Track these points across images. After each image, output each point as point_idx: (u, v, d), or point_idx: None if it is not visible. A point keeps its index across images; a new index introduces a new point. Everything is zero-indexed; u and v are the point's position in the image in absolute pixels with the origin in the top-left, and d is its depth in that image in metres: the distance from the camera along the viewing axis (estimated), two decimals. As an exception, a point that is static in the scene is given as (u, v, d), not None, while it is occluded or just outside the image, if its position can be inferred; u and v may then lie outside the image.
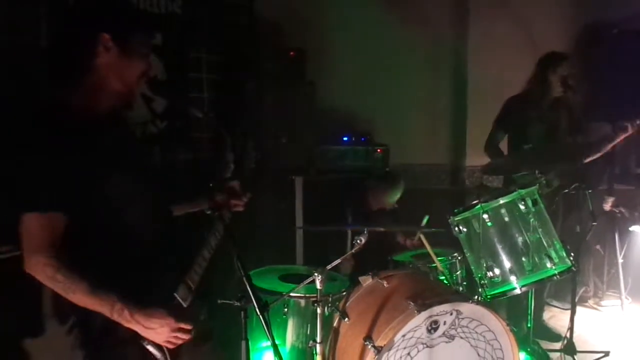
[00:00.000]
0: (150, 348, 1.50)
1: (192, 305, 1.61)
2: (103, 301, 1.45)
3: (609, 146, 3.35)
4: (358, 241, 2.09)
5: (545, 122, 3.44)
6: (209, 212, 1.57)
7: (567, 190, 3.19)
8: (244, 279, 1.48)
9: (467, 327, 2.24)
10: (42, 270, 1.44)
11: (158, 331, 1.48)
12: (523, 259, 2.52)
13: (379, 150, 4.27)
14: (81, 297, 1.44)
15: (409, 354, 2.15)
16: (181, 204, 1.83)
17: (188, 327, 1.52)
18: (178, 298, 1.58)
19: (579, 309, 3.22)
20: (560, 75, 3.38)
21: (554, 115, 3.45)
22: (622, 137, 3.26)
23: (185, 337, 1.53)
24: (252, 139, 1.82)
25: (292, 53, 4.29)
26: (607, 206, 4.05)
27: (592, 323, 3.92)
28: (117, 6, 1.60)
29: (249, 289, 1.48)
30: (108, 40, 1.51)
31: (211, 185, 1.73)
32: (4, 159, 1.50)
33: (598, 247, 4.27)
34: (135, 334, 1.49)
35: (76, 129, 1.45)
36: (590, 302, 4.26)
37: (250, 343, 1.63)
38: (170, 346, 1.52)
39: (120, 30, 1.53)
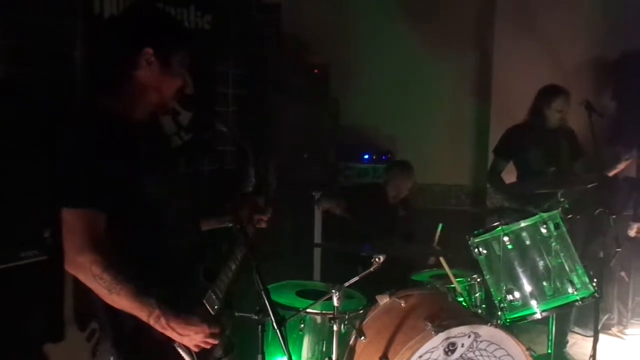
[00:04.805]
0: (181, 351, 1.51)
1: (219, 315, 1.63)
2: (143, 305, 1.45)
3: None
4: (377, 259, 2.09)
5: (545, 150, 3.53)
6: (230, 225, 1.58)
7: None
8: (263, 292, 1.49)
9: (485, 350, 2.21)
10: (89, 268, 1.42)
11: (192, 337, 1.50)
12: (544, 283, 2.48)
13: (399, 169, 4.26)
14: (124, 300, 1.44)
15: (425, 375, 2.13)
16: (207, 218, 1.85)
17: (218, 330, 1.54)
18: (207, 305, 1.61)
19: (602, 336, 3.15)
20: (555, 109, 3.49)
21: (554, 143, 3.54)
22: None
23: (215, 341, 1.55)
24: (273, 161, 1.84)
25: (316, 69, 4.35)
26: (632, 232, 3.97)
27: (615, 351, 3.82)
28: (164, 23, 1.65)
29: (267, 302, 1.48)
30: (151, 55, 1.56)
31: (233, 199, 1.76)
32: (46, 158, 1.55)
33: (623, 273, 4.17)
34: (167, 336, 1.50)
35: (115, 130, 1.50)
36: (614, 329, 4.15)
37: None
38: (197, 350, 1.54)
39: (164, 47, 1.58)
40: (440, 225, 2.83)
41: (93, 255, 1.43)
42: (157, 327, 1.47)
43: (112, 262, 1.44)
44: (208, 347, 1.54)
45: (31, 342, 2.26)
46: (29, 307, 2.37)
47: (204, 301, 1.61)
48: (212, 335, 1.53)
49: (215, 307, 1.63)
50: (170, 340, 1.51)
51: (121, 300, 1.44)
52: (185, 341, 1.51)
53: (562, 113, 3.50)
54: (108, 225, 1.48)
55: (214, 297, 1.63)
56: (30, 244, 2.45)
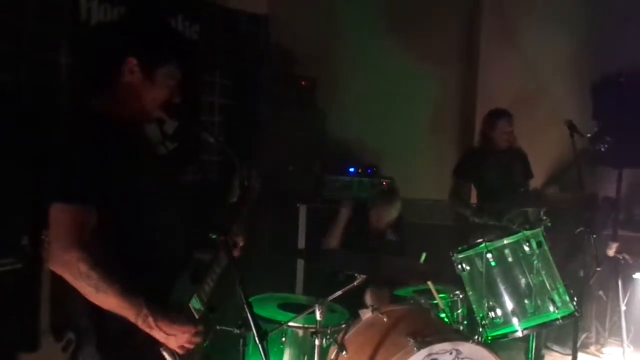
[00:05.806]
0: (166, 354, 1.49)
1: (203, 319, 1.62)
2: (131, 305, 1.43)
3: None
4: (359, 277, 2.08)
5: (498, 171, 3.72)
6: (214, 237, 1.57)
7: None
8: (245, 306, 1.47)
9: (466, 367, 2.20)
10: (75, 265, 1.39)
11: (178, 337, 1.48)
12: (525, 301, 2.49)
13: (384, 183, 4.27)
14: (111, 299, 1.41)
15: (406, 392, 2.11)
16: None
17: (202, 329, 1.53)
18: (192, 309, 1.59)
19: (580, 355, 3.17)
20: (500, 131, 3.67)
21: (506, 164, 3.72)
22: None
23: (199, 340, 1.53)
24: (257, 168, 1.83)
25: (303, 82, 4.35)
26: (611, 252, 4.01)
27: (593, 370, 3.86)
28: (156, 35, 1.62)
29: (249, 316, 1.46)
30: (134, 65, 1.56)
31: (218, 209, 1.75)
32: (26, 165, 1.53)
33: (601, 292, 4.21)
34: (152, 337, 1.48)
35: (106, 130, 1.50)
36: (592, 348, 4.19)
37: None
38: (182, 352, 1.52)
39: (149, 59, 1.57)
40: (423, 255, 2.83)
41: (81, 252, 1.40)
42: (144, 327, 1.44)
43: (99, 261, 1.42)
44: (192, 347, 1.52)
45: (5, 351, 2.21)
46: (3, 316, 2.32)
47: (190, 305, 1.60)
48: (197, 335, 1.51)
49: (201, 311, 1.62)
50: (154, 344, 1.48)
51: (108, 299, 1.41)
52: (171, 342, 1.48)
53: (507, 134, 3.69)
54: (96, 224, 1.46)
55: (199, 301, 1.62)
56: (6, 251, 2.40)
